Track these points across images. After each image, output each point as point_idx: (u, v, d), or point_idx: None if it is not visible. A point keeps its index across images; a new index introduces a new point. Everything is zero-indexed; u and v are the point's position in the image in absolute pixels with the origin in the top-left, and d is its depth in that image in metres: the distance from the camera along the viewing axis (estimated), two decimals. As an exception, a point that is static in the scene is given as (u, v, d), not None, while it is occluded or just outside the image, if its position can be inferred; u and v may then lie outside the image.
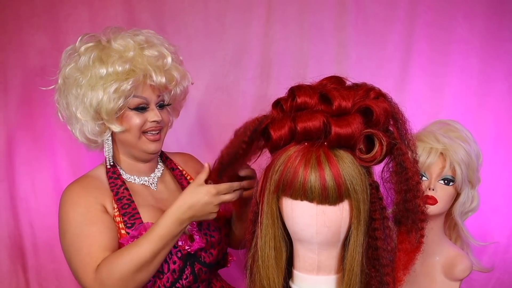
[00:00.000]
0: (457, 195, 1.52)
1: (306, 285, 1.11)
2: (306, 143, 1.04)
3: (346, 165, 1.02)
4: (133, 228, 1.40)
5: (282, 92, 1.13)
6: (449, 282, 1.53)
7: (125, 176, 1.51)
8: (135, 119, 1.44)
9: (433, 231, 1.50)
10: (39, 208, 2.04)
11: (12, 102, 2.02)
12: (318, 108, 1.04)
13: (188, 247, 1.43)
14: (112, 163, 1.50)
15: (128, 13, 2.08)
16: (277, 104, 1.10)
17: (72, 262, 1.36)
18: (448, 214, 1.56)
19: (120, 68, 1.39)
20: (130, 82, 1.39)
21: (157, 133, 1.48)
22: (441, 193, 1.47)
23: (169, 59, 1.47)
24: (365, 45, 2.07)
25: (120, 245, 1.38)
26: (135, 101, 1.43)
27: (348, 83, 1.11)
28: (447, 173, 1.46)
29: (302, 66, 2.10)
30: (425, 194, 1.45)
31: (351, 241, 1.06)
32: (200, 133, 2.16)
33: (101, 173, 1.51)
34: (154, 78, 1.43)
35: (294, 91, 1.06)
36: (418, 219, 1.08)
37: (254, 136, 1.07)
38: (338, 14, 2.07)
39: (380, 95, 1.06)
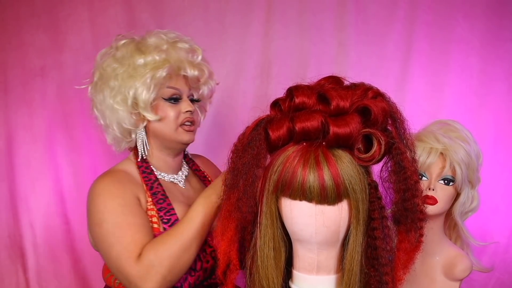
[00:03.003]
0: (457, 195, 1.52)
1: (306, 285, 1.11)
2: (304, 143, 1.04)
3: (345, 165, 1.02)
4: (169, 224, 1.43)
5: (282, 92, 1.13)
6: (449, 282, 1.53)
7: (156, 172, 1.54)
8: (170, 110, 1.50)
9: (433, 231, 1.49)
10: (39, 208, 2.04)
11: (12, 102, 2.02)
12: (316, 108, 1.04)
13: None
14: (144, 157, 1.53)
15: (128, 13, 2.08)
16: (276, 104, 1.10)
17: (112, 251, 1.36)
18: (448, 214, 1.56)
19: (157, 57, 1.47)
20: (166, 69, 1.46)
21: (191, 124, 1.54)
22: (441, 193, 1.47)
23: (200, 55, 1.57)
24: (365, 45, 2.07)
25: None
26: (168, 92, 1.50)
27: (346, 82, 1.11)
28: (447, 173, 1.46)
29: (302, 66, 2.10)
30: (425, 194, 1.45)
31: (351, 241, 1.06)
32: (200, 133, 2.16)
33: (130, 167, 1.53)
34: (188, 70, 1.52)
35: (292, 91, 1.06)
36: (417, 218, 1.08)
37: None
38: (338, 14, 2.07)
39: (378, 95, 1.06)
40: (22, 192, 2.03)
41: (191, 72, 1.52)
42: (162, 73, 1.46)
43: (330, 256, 1.10)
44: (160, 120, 1.49)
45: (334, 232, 1.06)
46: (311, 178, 1.00)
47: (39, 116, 2.03)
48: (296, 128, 1.02)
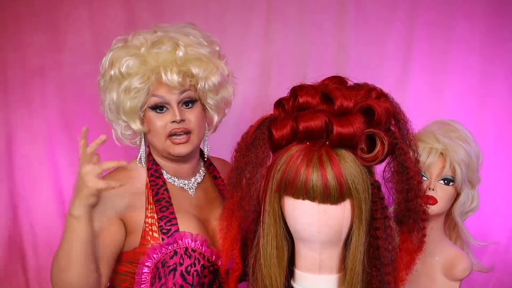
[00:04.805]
0: (457, 195, 1.52)
1: (308, 284, 1.11)
2: (308, 143, 1.04)
3: (348, 165, 1.02)
4: (168, 235, 1.36)
5: (282, 92, 1.13)
6: (449, 282, 1.53)
7: (165, 176, 1.46)
8: (156, 120, 1.38)
9: (433, 231, 1.49)
10: (39, 208, 2.03)
11: (12, 102, 2.02)
12: (320, 108, 1.04)
13: (220, 263, 1.37)
14: (144, 164, 1.45)
15: (128, 12, 2.07)
16: (279, 103, 1.11)
17: None
18: (448, 214, 1.56)
19: (123, 69, 1.36)
20: (135, 79, 1.35)
21: (183, 135, 1.39)
22: (441, 193, 1.47)
23: (180, 52, 1.36)
24: (365, 45, 2.07)
25: (151, 251, 1.34)
26: (152, 100, 1.38)
27: (349, 83, 1.12)
28: (447, 173, 1.47)
29: (302, 66, 2.10)
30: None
31: (353, 240, 1.06)
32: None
33: (138, 168, 1.45)
34: (164, 75, 1.35)
35: (296, 91, 1.07)
36: (420, 218, 1.09)
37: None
38: (338, 14, 2.07)
39: (382, 95, 1.07)
40: (22, 192, 2.02)
41: (169, 78, 1.35)
42: (132, 83, 1.35)
43: (332, 256, 1.10)
44: (149, 131, 1.41)
45: (336, 231, 1.06)
46: (314, 177, 1.01)
47: (39, 116, 2.03)
48: (300, 127, 1.02)
